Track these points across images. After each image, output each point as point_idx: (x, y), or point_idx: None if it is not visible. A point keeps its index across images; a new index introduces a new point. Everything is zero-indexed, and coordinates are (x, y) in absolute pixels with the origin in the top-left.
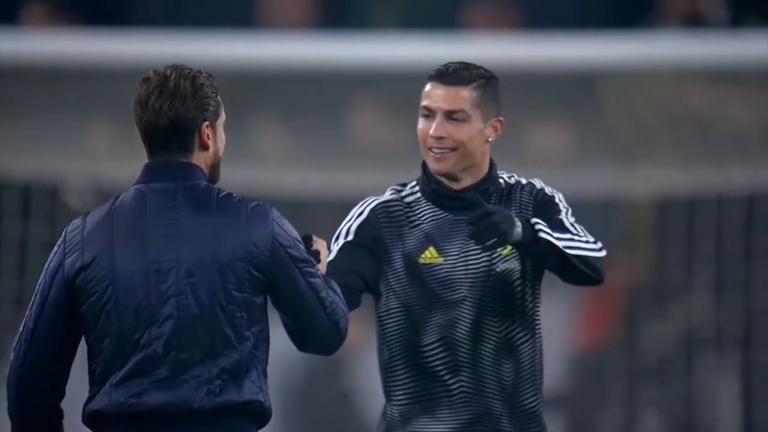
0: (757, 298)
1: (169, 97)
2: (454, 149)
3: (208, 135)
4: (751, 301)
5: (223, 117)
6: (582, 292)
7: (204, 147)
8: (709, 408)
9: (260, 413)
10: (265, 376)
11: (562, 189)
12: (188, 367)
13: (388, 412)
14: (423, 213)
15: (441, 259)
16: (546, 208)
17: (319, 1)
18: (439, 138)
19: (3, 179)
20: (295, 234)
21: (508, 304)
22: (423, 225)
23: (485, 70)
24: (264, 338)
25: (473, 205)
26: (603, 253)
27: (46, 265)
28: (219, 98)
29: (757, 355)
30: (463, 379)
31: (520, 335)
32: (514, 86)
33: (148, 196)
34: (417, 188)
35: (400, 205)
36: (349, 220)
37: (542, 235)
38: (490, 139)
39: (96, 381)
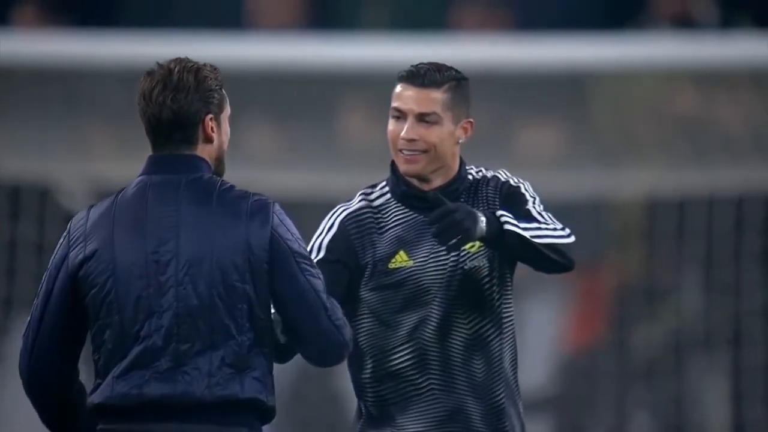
0: (746, 299)
1: (173, 89)
2: (425, 151)
3: (212, 128)
4: (740, 302)
5: (227, 110)
6: (572, 293)
7: (208, 140)
8: (699, 409)
9: (264, 411)
10: (270, 373)
11: (551, 189)
12: (189, 358)
13: (363, 412)
14: (392, 215)
15: (411, 263)
16: (512, 199)
17: (309, 2)
18: (411, 140)
19: None
20: (296, 231)
21: (476, 302)
22: (393, 229)
23: (456, 71)
24: (269, 334)
25: (436, 204)
26: (572, 239)
27: (53, 257)
28: (223, 91)
29: (747, 356)
30: (433, 377)
31: (489, 331)
32: (504, 87)
33: (150, 188)
34: (386, 189)
35: (370, 212)
36: (320, 235)
37: (509, 227)
38: (460, 141)
39: (99, 372)
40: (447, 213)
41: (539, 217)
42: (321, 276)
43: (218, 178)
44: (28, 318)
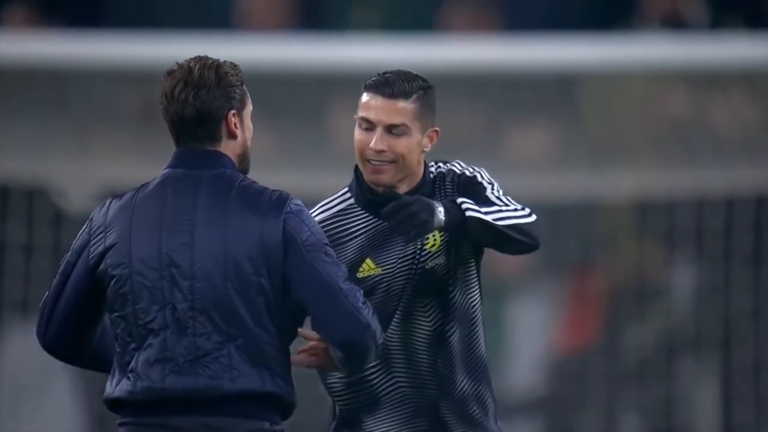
0: (736, 301)
1: (194, 86)
2: (393, 161)
3: (235, 124)
4: (730, 304)
5: (250, 107)
6: (562, 294)
7: (232, 136)
8: (689, 410)
9: (284, 406)
10: (290, 368)
11: (542, 191)
12: (207, 351)
13: (336, 414)
14: (357, 223)
15: (379, 270)
16: (470, 188)
17: (299, 3)
18: (380, 151)
19: None
20: (312, 222)
21: (437, 299)
22: (358, 237)
23: (423, 80)
24: (289, 328)
25: (391, 199)
26: (533, 218)
27: (74, 242)
28: (245, 88)
29: (737, 358)
30: (399, 376)
31: (453, 327)
32: (494, 89)
33: (171, 182)
34: (348, 195)
35: (332, 224)
36: None
37: (470, 213)
38: (426, 149)
39: (117, 364)
40: (402, 206)
41: (498, 201)
42: (338, 263)
43: (240, 174)
44: (46, 294)
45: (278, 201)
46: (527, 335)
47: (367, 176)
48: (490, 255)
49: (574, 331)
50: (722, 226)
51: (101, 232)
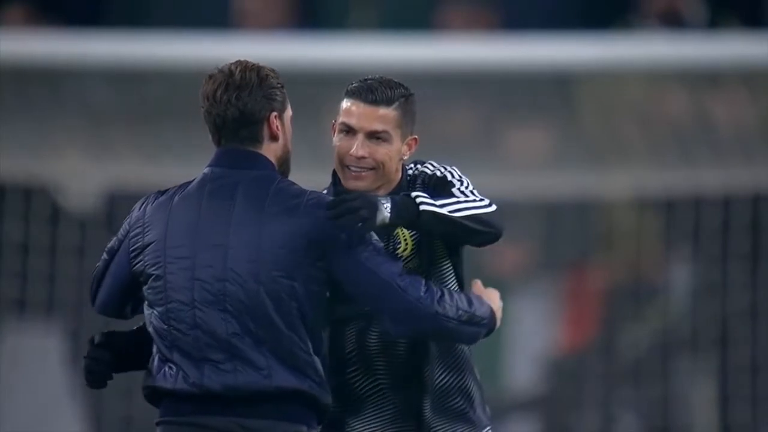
0: (733, 300)
1: (236, 88)
2: (372, 168)
3: (277, 126)
4: (727, 303)
5: (290, 111)
6: (559, 294)
7: (273, 138)
8: (686, 410)
9: (319, 408)
10: (324, 369)
11: (539, 190)
12: (241, 352)
13: None
14: None
15: None
16: (440, 188)
17: (296, 2)
18: (361, 158)
19: None
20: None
21: None
22: None
23: (405, 88)
24: (323, 330)
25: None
26: (492, 208)
27: (120, 229)
28: (285, 91)
29: (734, 357)
30: (380, 376)
31: None
32: (491, 87)
33: (209, 183)
34: None
35: None
36: None
37: (424, 207)
38: (404, 157)
39: (156, 356)
40: (344, 202)
41: (460, 195)
42: (390, 257)
43: (278, 176)
44: (94, 269)
45: (316, 203)
46: (524, 334)
47: (346, 182)
48: (487, 254)
49: (571, 330)
50: (719, 225)
51: (139, 226)
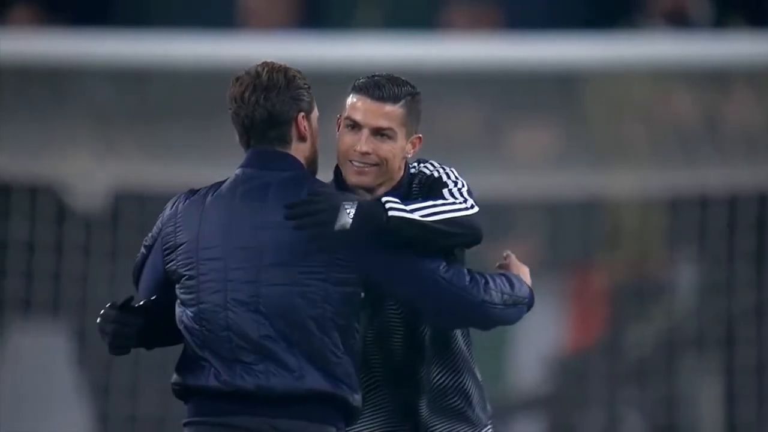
0: (739, 299)
1: (264, 89)
2: (376, 164)
3: (304, 126)
4: (733, 302)
5: (316, 111)
6: (564, 293)
7: (302, 138)
8: (691, 409)
9: (348, 410)
10: (355, 371)
11: (543, 189)
12: (272, 354)
13: None
14: None
15: None
16: (432, 189)
17: (300, 1)
18: (365, 153)
19: None
20: None
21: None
22: None
23: (411, 86)
24: (356, 332)
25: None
26: (473, 211)
27: (155, 227)
28: (311, 92)
29: (740, 356)
30: (377, 375)
31: (423, 327)
32: (496, 87)
33: (241, 184)
34: None
35: None
36: None
37: (393, 213)
38: (408, 155)
39: (188, 354)
40: (307, 202)
41: (449, 197)
42: (432, 251)
43: (310, 176)
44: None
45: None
46: (529, 333)
47: (349, 177)
48: (492, 253)
49: (576, 330)
50: (725, 224)
51: (171, 225)
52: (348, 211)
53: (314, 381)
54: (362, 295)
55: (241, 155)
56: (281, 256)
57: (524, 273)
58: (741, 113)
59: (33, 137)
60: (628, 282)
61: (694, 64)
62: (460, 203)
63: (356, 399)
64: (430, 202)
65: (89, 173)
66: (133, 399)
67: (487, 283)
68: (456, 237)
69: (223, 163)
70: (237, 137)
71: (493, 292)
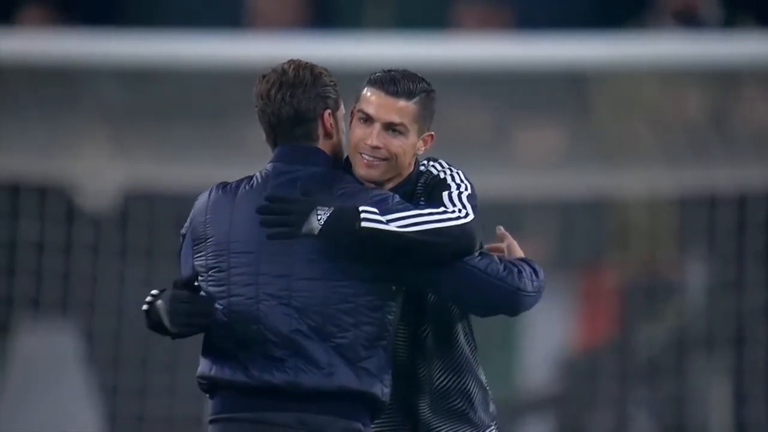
0: (749, 298)
1: (290, 86)
2: (385, 159)
3: (331, 123)
4: (743, 301)
5: (343, 109)
6: (574, 292)
7: (328, 135)
8: (701, 409)
9: (376, 405)
10: (387, 367)
11: (552, 189)
12: (303, 348)
13: None
14: None
15: None
16: (435, 191)
17: (310, 0)
18: (375, 147)
19: None
20: None
21: (410, 304)
22: None
23: (427, 83)
24: (389, 325)
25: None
26: (464, 220)
27: (188, 219)
28: (338, 90)
29: (749, 356)
30: None
31: (425, 328)
32: (505, 86)
33: (272, 179)
34: None
35: None
36: None
37: (366, 224)
38: (419, 152)
39: (215, 347)
40: (280, 200)
41: (448, 204)
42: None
43: (339, 171)
44: None
45: (381, 200)
46: (539, 333)
47: (357, 170)
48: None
49: (586, 329)
50: (734, 223)
51: (201, 216)
52: (319, 217)
53: (344, 378)
54: (393, 288)
55: (250, 154)
56: (313, 250)
57: (521, 252)
58: (750, 112)
59: (43, 137)
60: (637, 281)
61: (704, 64)
62: (450, 212)
63: (385, 393)
64: (415, 212)
65: (99, 173)
66: (141, 399)
67: (520, 272)
68: (438, 247)
69: (233, 163)
70: (263, 135)
71: (526, 280)
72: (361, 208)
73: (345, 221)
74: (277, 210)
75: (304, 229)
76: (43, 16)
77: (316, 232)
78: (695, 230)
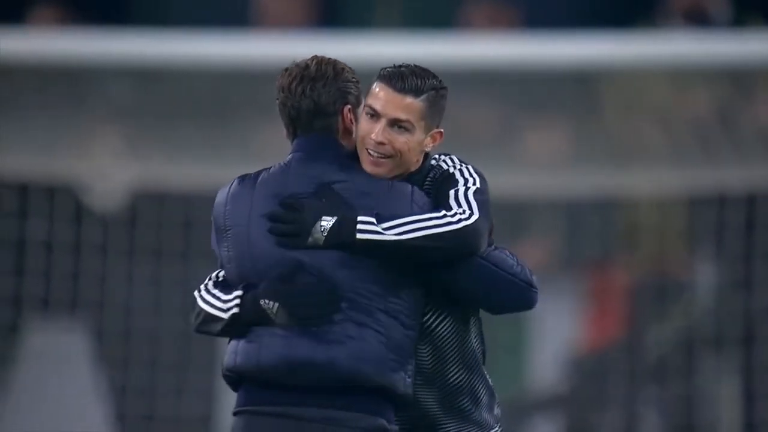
0: (758, 298)
1: (311, 80)
2: (390, 156)
3: (351, 119)
4: (752, 301)
5: (363, 108)
6: (583, 292)
7: (347, 132)
8: (710, 408)
9: (402, 399)
10: (411, 358)
11: (560, 188)
12: (330, 338)
13: None
14: None
15: None
16: (442, 186)
17: (319, 0)
18: (380, 143)
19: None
20: None
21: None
22: None
23: (437, 80)
24: (411, 315)
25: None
26: (467, 222)
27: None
28: (360, 86)
29: (758, 355)
30: None
31: (440, 321)
32: (513, 85)
33: (293, 169)
34: None
35: None
36: None
37: (361, 235)
38: (427, 149)
39: (238, 339)
40: (291, 207)
41: (453, 204)
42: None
43: (358, 164)
44: None
45: (400, 190)
46: (547, 333)
47: (366, 167)
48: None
49: (595, 329)
50: (743, 223)
51: (221, 208)
52: (323, 228)
53: (364, 370)
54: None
55: (258, 153)
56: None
57: None
58: (759, 112)
59: (51, 136)
60: (646, 281)
61: (713, 63)
62: (451, 215)
63: (408, 385)
64: (414, 218)
65: (107, 173)
66: (150, 398)
67: (531, 273)
68: (439, 251)
69: (241, 162)
70: (284, 130)
71: (532, 276)
72: (358, 219)
73: (344, 234)
74: (286, 218)
75: (310, 240)
76: (53, 15)
77: (320, 243)
78: (704, 230)
